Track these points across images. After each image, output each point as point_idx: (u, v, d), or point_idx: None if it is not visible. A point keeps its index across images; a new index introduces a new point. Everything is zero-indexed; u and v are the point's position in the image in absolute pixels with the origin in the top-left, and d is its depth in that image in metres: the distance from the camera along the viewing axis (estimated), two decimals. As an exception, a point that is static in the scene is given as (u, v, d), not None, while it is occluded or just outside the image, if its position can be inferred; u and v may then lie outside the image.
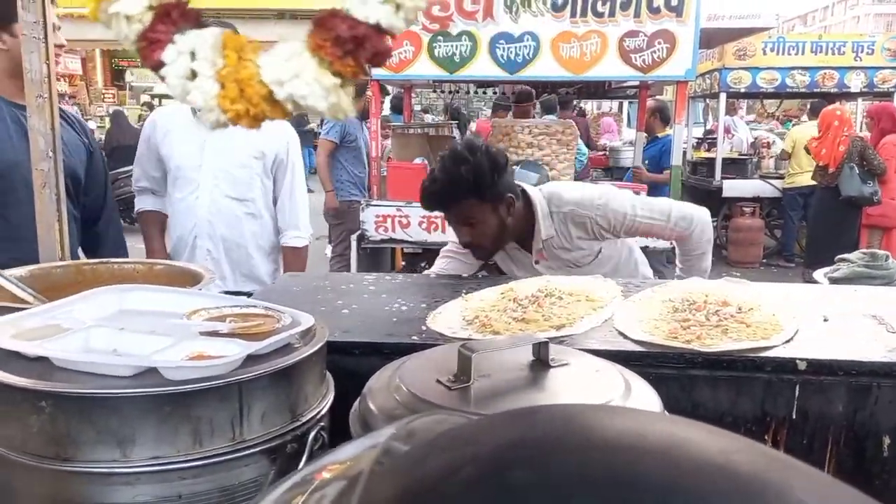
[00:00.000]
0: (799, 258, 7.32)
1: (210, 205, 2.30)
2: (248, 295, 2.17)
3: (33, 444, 0.68)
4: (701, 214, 1.92)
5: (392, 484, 0.28)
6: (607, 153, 8.71)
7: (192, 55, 0.74)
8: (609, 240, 1.93)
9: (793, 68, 7.51)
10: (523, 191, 1.90)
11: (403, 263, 5.18)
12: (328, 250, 6.09)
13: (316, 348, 0.82)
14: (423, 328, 1.23)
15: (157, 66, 0.76)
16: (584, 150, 5.54)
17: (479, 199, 1.78)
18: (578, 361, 0.85)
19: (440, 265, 2.06)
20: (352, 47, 0.77)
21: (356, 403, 0.80)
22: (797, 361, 1.07)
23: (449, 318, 1.30)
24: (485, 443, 0.30)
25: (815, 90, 7.75)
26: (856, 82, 7.48)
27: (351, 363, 1.13)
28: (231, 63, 0.76)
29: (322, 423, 0.80)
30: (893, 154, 5.76)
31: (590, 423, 0.31)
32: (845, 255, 1.94)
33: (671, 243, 2.15)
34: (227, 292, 2.05)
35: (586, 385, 0.78)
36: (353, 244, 4.33)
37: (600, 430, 0.30)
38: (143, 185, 2.46)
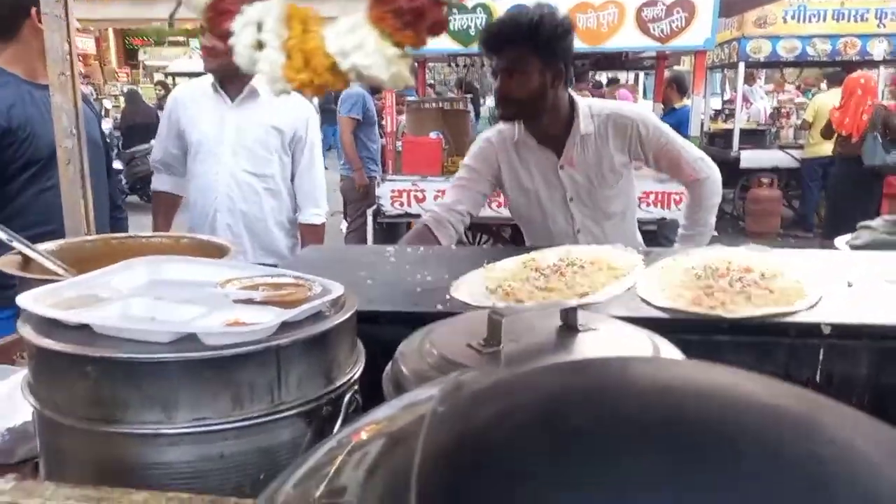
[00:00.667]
0: (818, 229, 7.25)
1: (230, 180, 2.32)
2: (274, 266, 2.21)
3: (81, 408, 0.71)
4: (715, 166, 1.98)
5: (450, 429, 0.30)
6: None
7: (259, 26, 0.76)
8: (629, 174, 1.96)
9: (814, 36, 7.35)
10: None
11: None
12: (343, 226, 6.11)
13: (347, 315, 0.84)
14: (447, 297, 1.25)
15: (226, 36, 0.78)
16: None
17: (533, 50, 1.78)
18: (607, 327, 0.86)
19: (450, 196, 2.02)
20: (411, 18, 0.79)
21: (388, 367, 0.82)
22: (822, 326, 1.07)
23: (472, 288, 1.31)
24: (539, 389, 0.31)
25: (837, 58, 7.59)
26: (878, 49, 7.32)
27: (377, 331, 1.14)
28: (296, 34, 0.78)
29: (355, 387, 0.82)
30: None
31: (639, 372, 0.32)
32: (867, 223, 1.93)
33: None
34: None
35: (616, 348, 0.79)
36: (370, 218, 4.35)
37: (650, 377, 0.31)
38: (162, 162, 2.49)
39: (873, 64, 8.10)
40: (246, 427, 0.73)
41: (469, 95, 6.52)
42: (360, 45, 0.79)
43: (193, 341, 0.73)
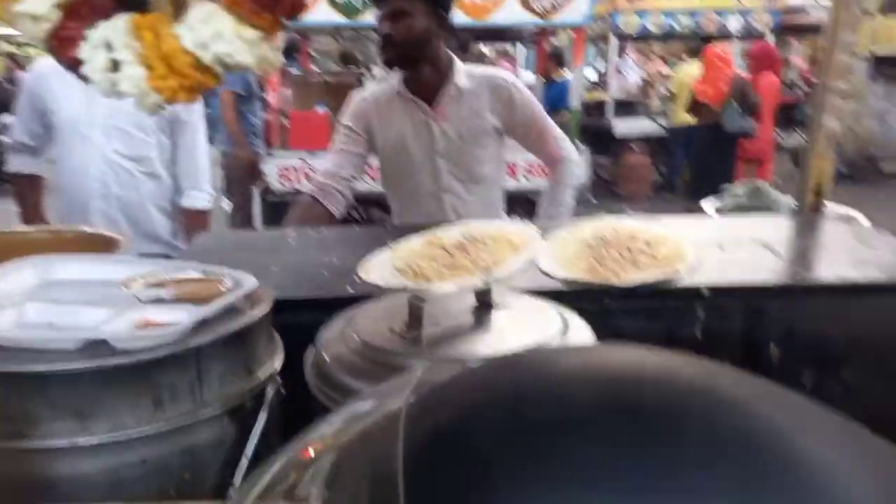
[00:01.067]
0: (681, 191, 7.80)
1: (102, 163, 2.16)
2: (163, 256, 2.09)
3: (-17, 425, 0.66)
4: (574, 150, 2.08)
5: (428, 426, 0.32)
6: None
7: (109, 46, 0.71)
8: (501, 144, 1.99)
9: (678, 12, 7.83)
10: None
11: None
12: (225, 204, 5.87)
13: (264, 308, 0.83)
14: (357, 280, 1.25)
15: (75, 65, 0.72)
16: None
17: None
18: (518, 303, 0.91)
19: (331, 162, 2.00)
20: (267, 1, 0.77)
21: (309, 355, 0.82)
22: (701, 289, 1.19)
23: (381, 269, 1.32)
24: (502, 385, 0.34)
25: (699, 33, 8.14)
26: (734, 24, 7.92)
27: (289, 319, 1.14)
28: (149, 42, 0.73)
29: (277, 380, 0.82)
30: (768, 93, 6.21)
31: (587, 361, 0.36)
32: (732, 189, 2.12)
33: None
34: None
35: (530, 324, 0.84)
36: (257, 197, 4.21)
37: (598, 365, 0.35)
38: (22, 142, 2.27)
39: (730, 38, 8.77)
40: (168, 431, 0.71)
41: (353, 67, 6.41)
42: (217, 34, 0.76)
43: (104, 347, 0.70)
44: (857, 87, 8.64)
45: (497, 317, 0.86)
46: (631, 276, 1.22)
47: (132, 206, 2.22)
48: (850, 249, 1.38)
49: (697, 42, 8.22)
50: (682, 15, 7.82)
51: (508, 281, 1.25)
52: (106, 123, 2.17)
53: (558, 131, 2.03)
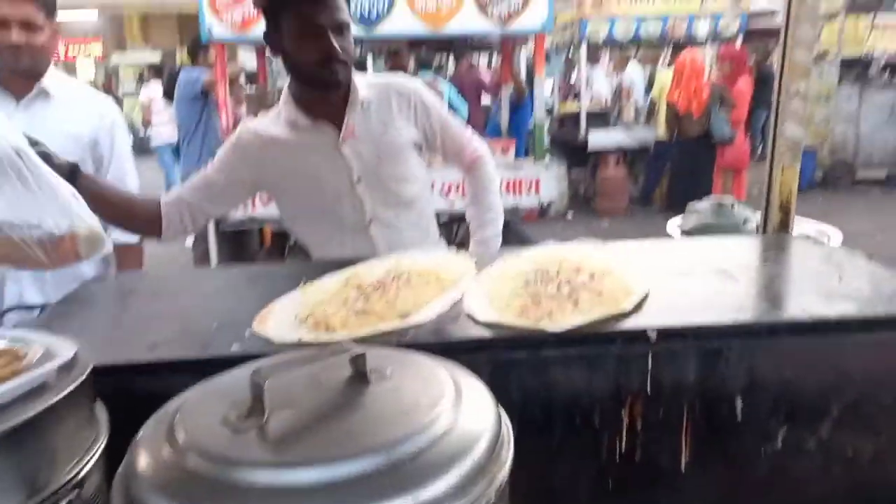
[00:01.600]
0: (658, 204, 7.67)
1: None
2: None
3: None
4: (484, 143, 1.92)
5: None
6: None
7: None
8: (421, 159, 1.81)
9: (646, 18, 7.75)
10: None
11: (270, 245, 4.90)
12: (188, 241, 5.66)
13: (63, 393, 0.64)
14: (248, 333, 1.07)
15: None
16: (460, 106, 5.38)
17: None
18: (403, 370, 0.73)
19: (200, 190, 1.72)
20: None
21: (122, 465, 0.63)
22: (648, 332, 1.01)
23: (280, 317, 1.14)
24: None
25: (666, 38, 8.08)
26: (702, 29, 7.86)
27: (161, 388, 0.95)
28: None
29: (74, 493, 0.63)
30: (742, 98, 6.13)
31: None
32: (695, 206, 1.97)
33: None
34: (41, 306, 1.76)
35: (410, 402, 0.65)
36: (211, 228, 4.00)
37: None
38: None
39: (700, 43, 8.73)
40: None
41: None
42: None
43: None
44: (828, 91, 8.62)
45: (371, 393, 0.67)
46: (567, 319, 1.04)
47: None
48: (819, 277, 1.22)
49: (670, 48, 8.17)
50: (651, 20, 7.73)
51: (426, 327, 1.07)
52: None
53: (467, 129, 1.88)
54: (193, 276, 1.43)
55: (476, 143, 1.86)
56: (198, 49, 4.91)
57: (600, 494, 1.06)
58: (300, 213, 1.77)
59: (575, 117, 8.30)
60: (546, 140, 4.91)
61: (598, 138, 7.88)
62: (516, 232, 3.93)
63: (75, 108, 2.03)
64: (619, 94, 9.59)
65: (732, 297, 1.15)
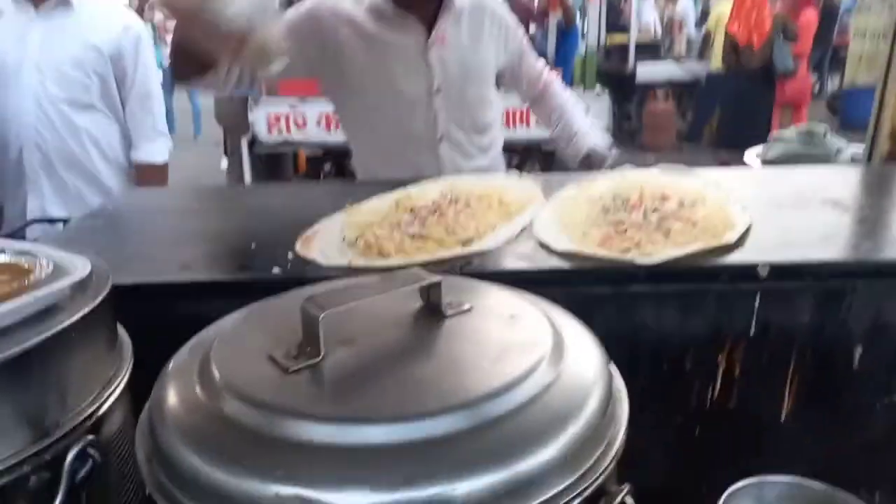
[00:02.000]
0: (705, 138, 7.31)
1: (37, 110, 1.86)
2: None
3: None
4: None
5: None
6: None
7: None
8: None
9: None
10: None
11: (305, 170, 4.77)
12: (224, 163, 5.55)
13: (76, 316, 0.52)
14: (290, 255, 0.94)
15: None
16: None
17: None
18: (485, 302, 0.59)
19: None
20: None
21: (147, 405, 0.51)
22: (759, 268, 0.86)
23: (326, 239, 1.01)
24: None
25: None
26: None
27: (194, 310, 0.84)
28: None
29: (90, 437, 0.51)
30: (806, 31, 5.69)
31: None
32: (779, 133, 1.76)
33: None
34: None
35: (498, 346, 0.52)
36: (245, 150, 3.88)
37: None
38: None
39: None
40: None
41: None
42: None
43: None
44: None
45: (448, 331, 0.54)
46: (661, 250, 0.89)
47: (73, 160, 1.92)
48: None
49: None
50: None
51: (492, 255, 0.93)
52: (41, 62, 1.86)
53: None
54: (228, 193, 1.31)
55: (540, 63, 1.74)
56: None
57: (688, 443, 0.93)
58: (361, 118, 1.56)
59: (622, 49, 7.85)
60: (594, 70, 4.62)
61: (647, 71, 7.46)
62: (562, 164, 3.72)
63: (97, 19, 1.90)
64: (669, 26, 9.06)
65: (850, 233, 0.98)
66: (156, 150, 2.00)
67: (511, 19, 1.64)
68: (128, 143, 2.00)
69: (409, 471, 0.40)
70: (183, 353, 0.56)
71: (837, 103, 7.90)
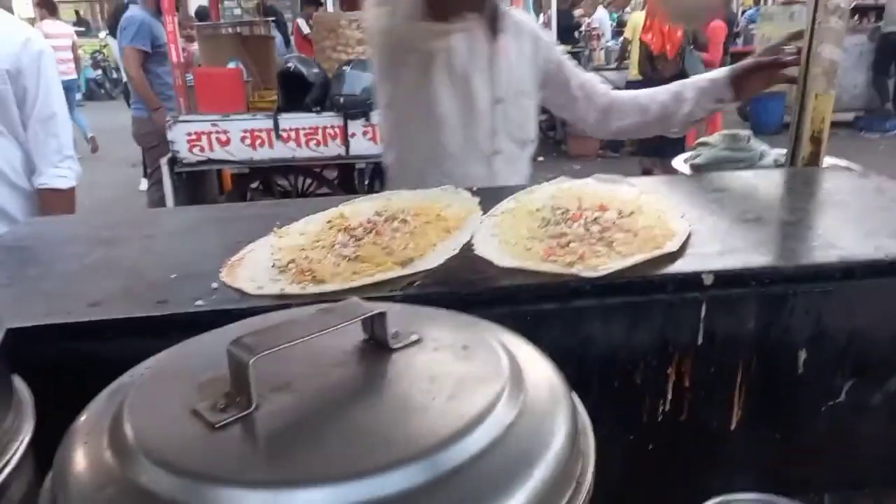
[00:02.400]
0: (625, 149, 7.53)
1: None
2: None
3: None
4: None
5: None
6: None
7: None
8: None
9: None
10: None
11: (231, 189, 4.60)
12: (143, 184, 5.29)
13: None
14: (214, 285, 0.87)
15: None
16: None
17: None
18: (434, 331, 0.54)
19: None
20: None
21: (49, 475, 0.44)
22: (703, 275, 0.85)
23: (254, 265, 0.94)
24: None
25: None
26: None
27: (105, 354, 0.75)
28: None
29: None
30: (716, 38, 5.96)
31: None
32: (705, 139, 1.80)
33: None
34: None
35: (452, 381, 0.47)
36: (165, 169, 3.69)
37: None
38: None
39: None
40: None
41: (272, 19, 5.80)
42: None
43: None
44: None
45: (396, 367, 0.49)
46: (606, 262, 0.87)
47: None
48: (882, 213, 1.07)
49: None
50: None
51: (432, 274, 0.89)
52: None
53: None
54: (144, 219, 1.21)
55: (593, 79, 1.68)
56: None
57: (641, 460, 0.91)
58: (427, 127, 1.48)
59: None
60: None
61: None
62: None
63: None
64: (587, 37, 9.33)
65: (785, 236, 0.99)
66: (60, 174, 1.86)
67: (542, 32, 1.65)
68: (31, 167, 1.85)
69: (360, 539, 0.35)
70: (92, 408, 0.49)
71: (748, 110, 8.31)
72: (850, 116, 8.36)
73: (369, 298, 0.57)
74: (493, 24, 1.51)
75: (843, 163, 1.75)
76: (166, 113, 4.22)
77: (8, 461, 0.48)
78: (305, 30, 6.09)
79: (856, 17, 8.90)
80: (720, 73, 1.53)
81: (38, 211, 1.85)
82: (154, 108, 4.41)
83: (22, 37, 1.80)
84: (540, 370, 0.51)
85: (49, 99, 1.82)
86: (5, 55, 1.75)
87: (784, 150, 1.55)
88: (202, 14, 6.46)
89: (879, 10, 8.93)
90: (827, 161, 1.59)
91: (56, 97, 1.85)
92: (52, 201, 1.84)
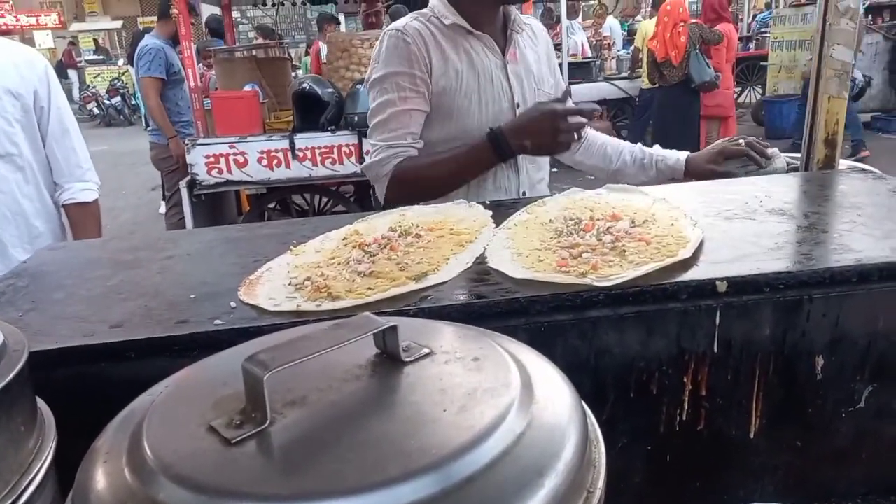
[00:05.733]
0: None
1: None
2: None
3: None
4: None
5: None
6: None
7: None
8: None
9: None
10: None
11: (249, 209, 4.65)
12: (162, 208, 5.37)
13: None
14: (233, 304, 0.88)
15: None
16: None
17: None
18: (445, 343, 0.55)
19: (400, 126, 1.50)
20: None
21: (70, 494, 0.45)
22: (716, 283, 0.85)
23: (272, 283, 0.95)
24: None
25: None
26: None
27: (126, 375, 0.77)
28: None
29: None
30: (727, 42, 5.93)
31: None
32: (713, 144, 1.79)
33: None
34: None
35: (464, 394, 0.48)
36: (184, 192, 3.75)
37: None
38: None
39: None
40: None
41: (286, 41, 5.89)
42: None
43: None
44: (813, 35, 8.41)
45: (408, 380, 0.50)
46: (619, 272, 0.87)
47: (6, 212, 1.80)
48: (896, 213, 1.06)
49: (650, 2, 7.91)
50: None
51: (447, 288, 0.89)
52: None
53: None
54: (164, 241, 1.23)
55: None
56: (168, 5, 4.56)
57: (660, 471, 0.91)
58: (456, 131, 1.51)
59: (556, 70, 8.03)
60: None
61: (581, 91, 7.64)
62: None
63: (5, 63, 1.79)
64: (599, 46, 9.36)
65: (800, 241, 0.99)
66: (85, 188, 1.90)
67: (552, 52, 1.71)
68: (50, 187, 1.89)
69: (374, 550, 0.35)
70: (111, 428, 0.50)
71: (762, 114, 8.25)
72: (867, 117, 8.26)
73: (383, 313, 0.58)
74: (506, 29, 1.57)
75: (859, 165, 1.73)
76: (180, 141, 4.30)
77: (31, 480, 0.50)
78: (324, 57, 6.07)
79: (870, 17, 8.82)
80: (681, 157, 1.64)
81: (66, 229, 1.89)
82: (170, 136, 4.49)
83: (24, 58, 1.83)
84: (550, 381, 0.51)
85: (62, 114, 1.87)
86: (28, 83, 1.79)
87: (797, 154, 1.54)
88: (213, 24, 6.53)
89: (894, 9, 8.85)
90: (843, 164, 1.58)
91: (66, 111, 1.90)
92: (80, 215, 1.88)
